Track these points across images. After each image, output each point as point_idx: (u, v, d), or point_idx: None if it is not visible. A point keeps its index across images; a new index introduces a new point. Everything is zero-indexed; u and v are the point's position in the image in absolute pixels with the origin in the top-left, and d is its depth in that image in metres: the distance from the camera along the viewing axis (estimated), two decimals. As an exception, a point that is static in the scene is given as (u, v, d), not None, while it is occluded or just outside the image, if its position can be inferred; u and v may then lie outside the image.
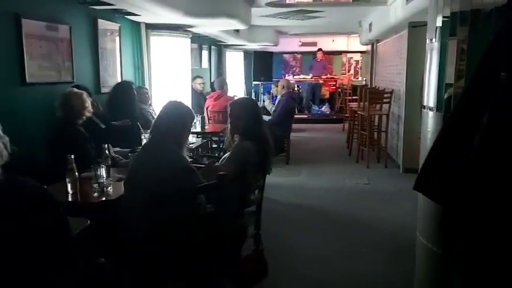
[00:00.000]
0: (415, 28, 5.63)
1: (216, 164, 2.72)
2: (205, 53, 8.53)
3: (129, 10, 4.48)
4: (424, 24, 5.36)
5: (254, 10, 6.59)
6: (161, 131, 2.32)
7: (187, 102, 4.88)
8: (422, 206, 2.54)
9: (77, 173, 2.40)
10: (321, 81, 11.53)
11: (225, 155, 2.81)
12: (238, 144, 2.73)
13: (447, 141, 1.53)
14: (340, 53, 13.23)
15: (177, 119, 2.35)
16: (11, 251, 1.15)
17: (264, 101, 8.09)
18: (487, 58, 1.44)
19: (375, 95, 6.68)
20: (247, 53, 11.51)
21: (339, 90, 12.27)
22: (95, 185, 2.41)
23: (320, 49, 11.59)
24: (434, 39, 2.35)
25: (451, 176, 1.49)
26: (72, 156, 2.39)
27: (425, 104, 2.50)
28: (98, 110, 3.81)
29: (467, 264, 1.56)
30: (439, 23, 2.28)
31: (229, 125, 2.83)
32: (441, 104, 2.27)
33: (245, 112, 2.76)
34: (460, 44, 2.16)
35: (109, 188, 2.45)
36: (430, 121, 2.42)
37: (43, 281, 1.22)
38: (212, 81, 8.05)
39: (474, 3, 2.07)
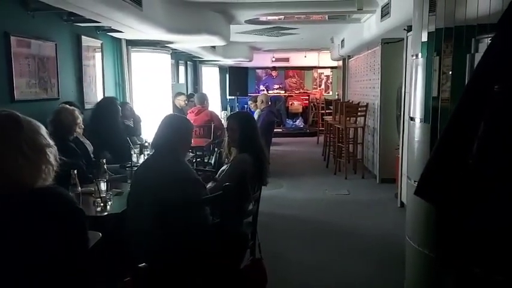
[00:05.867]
0: (388, 44, 5.91)
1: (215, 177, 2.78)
2: (181, 69, 8.60)
3: (112, 27, 4.51)
4: (397, 41, 5.69)
5: (232, 27, 6.71)
6: (163, 144, 2.35)
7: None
8: (411, 211, 2.67)
9: (79, 188, 2.40)
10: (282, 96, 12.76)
11: (223, 167, 2.87)
12: (235, 156, 2.81)
13: (446, 149, 1.66)
14: (311, 68, 13.56)
15: (177, 131, 2.40)
16: (39, 250, 1.22)
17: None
18: (480, 70, 1.59)
19: (351, 109, 6.90)
20: (222, 69, 11.63)
21: (312, 104, 12.56)
22: (98, 200, 2.43)
23: (274, 67, 12.98)
24: (419, 55, 2.51)
25: (451, 182, 1.61)
26: (75, 171, 2.40)
27: (411, 116, 2.65)
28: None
29: (461, 267, 1.67)
30: (424, 38, 2.45)
31: (226, 138, 2.90)
32: (428, 116, 2.43)
33: (240, 125, 2.85)
34: (445, 58, 2.33)
35: (110, 202, 2.47)
36: (417, 131, 2.56)
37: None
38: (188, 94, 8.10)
39: (457, 20, 2.25)
